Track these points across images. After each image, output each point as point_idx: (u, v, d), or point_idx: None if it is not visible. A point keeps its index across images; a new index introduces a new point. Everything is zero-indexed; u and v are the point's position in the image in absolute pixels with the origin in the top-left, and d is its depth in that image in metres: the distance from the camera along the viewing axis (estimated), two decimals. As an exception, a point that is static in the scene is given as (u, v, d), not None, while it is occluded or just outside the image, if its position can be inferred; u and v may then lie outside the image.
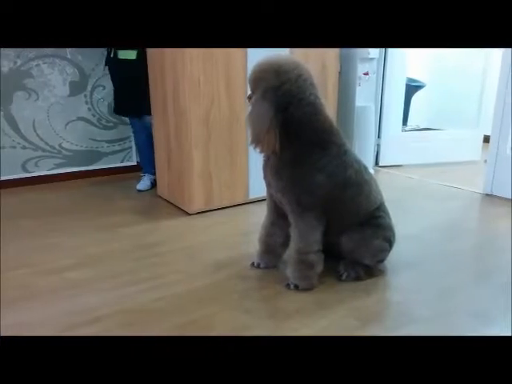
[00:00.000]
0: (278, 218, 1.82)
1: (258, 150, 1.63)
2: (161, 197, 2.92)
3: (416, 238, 2.22)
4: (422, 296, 1.69)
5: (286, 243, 1.87)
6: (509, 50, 2.75)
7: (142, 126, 3.03)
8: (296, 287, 1.71)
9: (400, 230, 1.90)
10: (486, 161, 3.37)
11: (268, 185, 1.77)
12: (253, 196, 2.74)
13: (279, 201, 1.73)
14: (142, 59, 2.78)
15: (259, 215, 2.54)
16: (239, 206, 2.71)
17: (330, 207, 1.66)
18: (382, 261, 1.84)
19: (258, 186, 2.72)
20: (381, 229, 1.77)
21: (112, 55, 2.81)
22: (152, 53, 2.74)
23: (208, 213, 2.60)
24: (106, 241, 2.21)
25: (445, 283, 1.79)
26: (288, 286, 1.73)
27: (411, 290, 1.73)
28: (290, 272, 1.74)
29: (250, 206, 2.73)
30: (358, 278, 1.78)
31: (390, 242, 1.81)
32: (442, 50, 4.18)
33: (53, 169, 3.29)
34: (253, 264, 1.92)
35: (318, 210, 1.65)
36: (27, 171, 3.20)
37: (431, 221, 2.50)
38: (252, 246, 2.03)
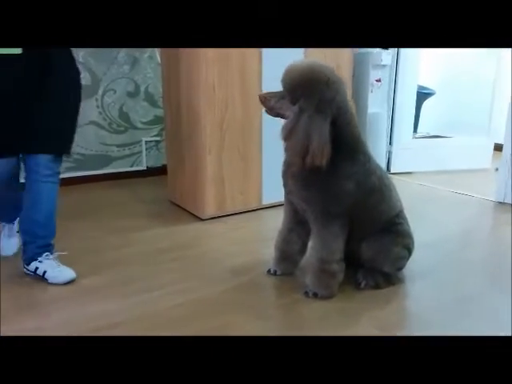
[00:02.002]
0: (295, 224, 1.81)
1: (307, 162, 1.50)
2: (172, 202, 2.91)
3: (432, 246, 2.20)
4: (440, 305, 1.66)
5: (303, 250, 1.86)
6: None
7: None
8: (315, 295, 1.69)
9: (415, 238, 1.88)
10: (497, 169, 3.36)
11: (288, 192, 1.75)
12: (266, 201, 2.72)
13: (302, 209, 1.71)
14: (33, 55, 1.60)
15: (273, 221, 2.53)
16: (252, 212, 2.69)
17: (353, 215, 1.64)
18: (400, 269, 1.83)
19: (271, 192, 2.71)
20: (400, 236, 1.76)
21: None
22: (165, 56, 2.74)
23: (221, 218, 2.58)
24: (120, 246, 2.19)
25: (462, 292, 1.77)
26: (306, 293, 1.71)
27: (430, 299, 1.71)
28: (309, 280, 1.71)
29: (264, 211, 2.71)
30: (376, 287, 1.76)
31: (409, 249, 1.79)
32: (452, 57, 4.19)
33: (63, 172, 3.27)
34: (269, 271, 1.90)
35: (343, 219, 1.63)
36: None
37: (446, 229, 2.48)
38: (267, 253, 2.01)
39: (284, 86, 1.56)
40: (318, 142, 1.47)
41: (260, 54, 2.51)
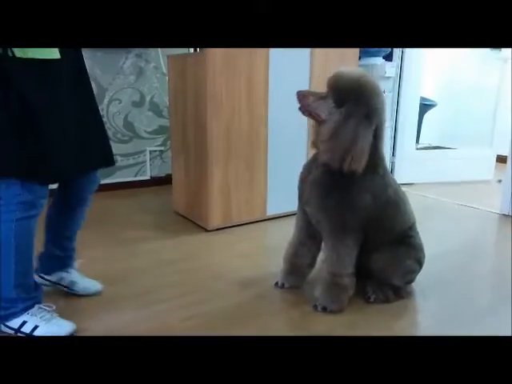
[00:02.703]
0: (307, 237, 1.80)
1: (346, 164, 1.51)
2: (177, 212, 2.90)
3: (439, 259, 2.20)
4: (451, 319, 1.66)
5: (312, 264, 1.86)
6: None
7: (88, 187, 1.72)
8: (324, 309, 1.68)
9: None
10: (500, 180, 3.37)
11: (305, 202, 1.72)
12: (271, 213, 2.72)
13: (316, 220, 1.70)
14: (71, 61, 1.50)
15: (278, 233, 2.54)
16: (257, 223, 2.69)
17: (368, 228, 1.65)
18: (410, 282, 1.82)
19: (276, 203, 2.71)
20: (412, 248, 1.75)
21: (1, 51, 1.31)
22: (172, 67, 2.75)
23: (226, 229, 2.58)
24: (126, 257, 2.18)
25: (473, 307, 1.76)
26: (315, 307, 1.70)
27: (440, 314, 1.71)
28: (319, 293, 1.71)
29: (268, 223, 2.71)
30: (386, 300, 1.75)
31: (420, 263, 1.79)
32: (454, 68, 4.22)
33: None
34: (277, 284, 1.89)
35: (357, 233, 1.63)
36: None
37: (452, 241, 2.48)
38: (273, 266, 2.00)
39: (333, 88, 1.55)
40: (361, 147, 1.50)
41: (267, 64, 2.52)
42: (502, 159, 3.72)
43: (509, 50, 3.72)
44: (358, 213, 1.60)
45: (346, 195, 1.59)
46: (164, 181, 3.52)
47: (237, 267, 2.09)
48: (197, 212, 2.66)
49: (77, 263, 1.84)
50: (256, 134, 2.59)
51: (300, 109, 1.61)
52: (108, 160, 1.66)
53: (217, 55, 2.36)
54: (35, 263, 1.66)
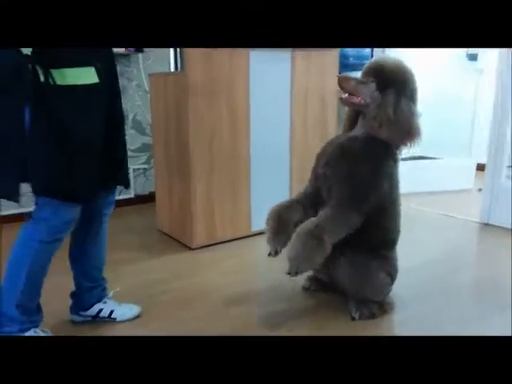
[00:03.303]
0: (307, 201, 1.77)
1: (408, 139, 1.69)
2: (161, 231, 2.89)
3: (420, 270, 2.23)
4: (433, 330, 1.68)
5: (298, 224, 1.68)
6: (502, 77, 2.82)
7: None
8: (292, 267, 1.55)
9: (404, 262, 1.90)
10: (480, 189, 3.43)
11: (325, 163, 1.71)
12: (255, 229, 2.73)
13: (329, 185, 1.67)
14: (108, 83, 1.54)
15: (263, 249, 2.52)
16: (242, 240, 2.69)
17: (374, 211, 1.65)
18: (386, 295, 1.82)
19: (260, 219, 2.68)
20: (384, 262, 1.75)
21: (43, 79, 1.35)
22: (153, 85, 2.76)
23: (211, 247, 2.58)
24: (111, 280, 2.16)
25: (456, 318, 1.79)
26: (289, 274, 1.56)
27: (425, 327, 1.73)
28: (290, 249, 1.58)
29: (253, 238, 2.71)
30: (371, 316, 1.75)
31: (391, 276, 1.79)
32: (432, 79, 4.29)
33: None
34: (269, 254, 1.73)
35: (360, 215, 1.62)
36: (23, 206, 3.14)
37: (432, 251, 2.52)
38: (260, 282, 2.01)
39: (376, 74, 1.66)
40: (417, 124, 1.68)
41: (247, 80, 2.56)
42: (482, 168, 3.79)
43: (485, 61, 3.81)
44: (370, 193, 1.62)
45: (368, 170, 1.63)
46: (148, 199, 3.51)
47: (220, 286, 2.08)
48: (181, 230, 2.66)
49: (111, 292, 1.84)
50: (238, 151, 2.61)
51: (340, 99, 1.71)
52: (125, 180, 1.71)
53: (197, 74, 2.38)
54: (70, 301, 1.75)
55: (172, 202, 2.72)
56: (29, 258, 1.48)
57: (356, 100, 1.68)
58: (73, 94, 1.41)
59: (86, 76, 1.44)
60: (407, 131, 1.66)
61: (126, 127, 3.39)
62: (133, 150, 3.54)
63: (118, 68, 3.29)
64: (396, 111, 1.63)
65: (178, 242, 2.68)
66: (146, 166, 3.61)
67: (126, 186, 1.72)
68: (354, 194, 1.62)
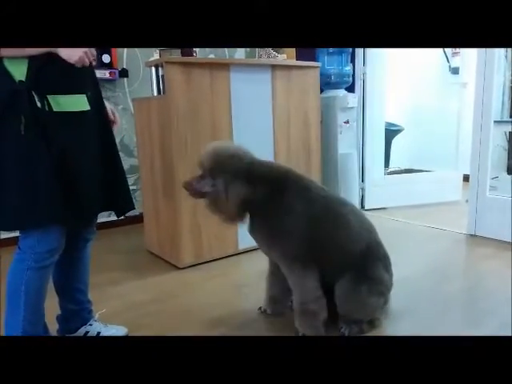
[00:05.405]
0: (277, 268, 1.84)
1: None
2: (149, 251, 2.90)
3: (407, 282, 2.24)
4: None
5: (286, 292, 1.88)
6: (481, 90, 2.86)
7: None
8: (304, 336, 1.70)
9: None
10: (467, 200, 3.46)
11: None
12: (243, 246, 2.74)
13: (264, 252, 1.83)
14: (97, 110, 1.59)
15: (250, 266, 2.55)
16: (229, 258, 2.70)
17: (313, 250, 1.67)
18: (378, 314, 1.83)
19: (247, 237, 2.71)
20: (373, 283, 1.72)
21: (40, 105, 1.38)
22: (137, 109, 2.80)
23: (199, 266, 2.59)
24: (94, 302, 2.16)
25: (444, 328, 1.79)
26: (297, 333, 1.73)
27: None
28: (296, 322, 1.75)
29: (241, 256, 2.72)
30: (361, 332, 1.75)
31: (384, 296, 1.79)
32: (417, 94, 4.38)
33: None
34: (260, 308, 1.99)
35: (303, 258, 1.66)
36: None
37: (419, 264, 2.53)
38: (247, 300, 2.01)
39: (203, 167, 1.71)
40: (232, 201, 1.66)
41: (229, 102, 2.60)
42: (468, 179, 3.82)
43: (467, 74, 3.88)
44: (288, 237, 1.66)
45: (272, 228, 1.70)
46: (137, 220, 3.52)
47: (208, 307, 2.08)
48: (168, 250, 2.67)
49: (97, 314, 1.84)
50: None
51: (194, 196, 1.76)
52: (129, 203, 1.72)
53: (179, 97, 2.42)
54: (57, 325, 1.75)
55: (159, 222, 2.74)
56: (22, 286, 1.49)
57: (201, 193, 1.73)
58: (69, 120, 1.45)
59: (79, 103, 1.49)
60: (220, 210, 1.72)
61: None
62: (121, 172, 3.57)
63: (105, 93, 3.37)
64: (227, 196, 1.66)
65: (166, 261, 2.69)
66: (134, 187, 3.63)
67: (132, 207, 1.73)
68: (281, 249, 1.71)
